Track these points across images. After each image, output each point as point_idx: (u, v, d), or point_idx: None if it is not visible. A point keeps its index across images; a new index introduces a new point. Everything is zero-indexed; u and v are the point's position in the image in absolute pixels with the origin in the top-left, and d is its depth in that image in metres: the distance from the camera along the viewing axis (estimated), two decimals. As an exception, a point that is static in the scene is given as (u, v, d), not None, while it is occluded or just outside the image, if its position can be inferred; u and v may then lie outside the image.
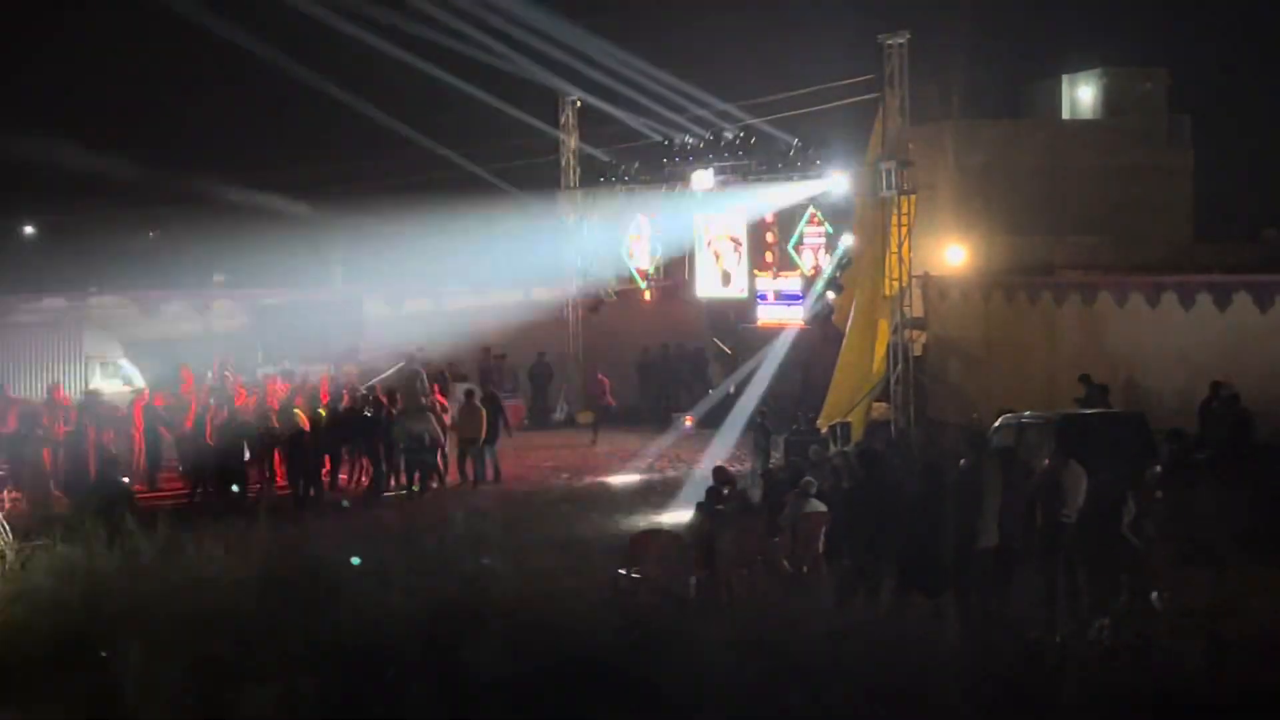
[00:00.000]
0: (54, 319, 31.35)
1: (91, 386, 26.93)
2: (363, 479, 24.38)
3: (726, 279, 31.26)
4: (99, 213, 46.88)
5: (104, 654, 12.47)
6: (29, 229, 56.29)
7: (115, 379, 28.98)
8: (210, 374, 27.56)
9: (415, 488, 23.64)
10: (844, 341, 27.30)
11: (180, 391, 25.89)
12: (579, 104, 33.72)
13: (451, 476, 24.39)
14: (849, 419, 25.63)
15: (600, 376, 31.53)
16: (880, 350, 26.70)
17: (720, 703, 10.86)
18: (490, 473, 24.81)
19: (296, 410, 23.28)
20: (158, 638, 12.92)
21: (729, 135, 29.80)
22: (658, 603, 14.72)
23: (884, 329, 26.55)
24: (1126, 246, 31.92)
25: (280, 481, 23.50)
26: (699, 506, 16.50)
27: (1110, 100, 36.62)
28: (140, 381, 28.87)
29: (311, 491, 22.91)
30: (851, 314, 27.11)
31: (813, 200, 28.06)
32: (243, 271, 40.77)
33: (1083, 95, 37.14)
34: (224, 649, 12.74)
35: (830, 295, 27.97)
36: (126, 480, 21.02)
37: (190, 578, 15.87)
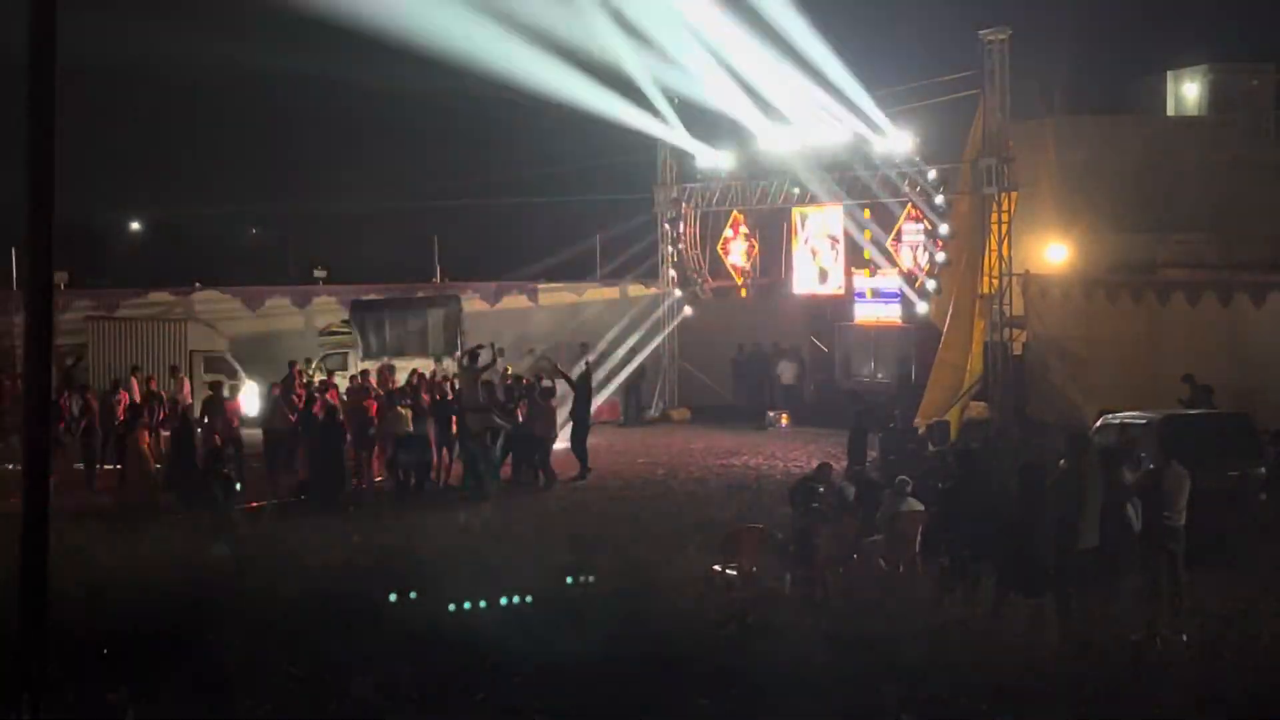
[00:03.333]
0: (160, 313, 32.02)
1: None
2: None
3: (824, 276, 31.16)
4: (204, 209, 47.71)
5: (210, 640, 12.73)
6: (135, 225, 57.55)
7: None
8: (311, 368, 27.93)
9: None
10: (941, 340, 27.13)
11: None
12: (676, 101, 33.70)
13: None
14: (946, 418, 25.46)
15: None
16: (977, 349, 26.49)
17: (817, 695, 10.86)
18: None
19: (402, 408, 23.52)
20: (260, 624, 13.17)
21: (826, 131, 29.61)
22: (754, 598, 14.75)
23: (980, 327, 26.34)
24: (1232, 245, 31.24)
25: (378, 474, 23.76)
26: (794, 503, 16.47)
27: (1216, 97, 35.91)
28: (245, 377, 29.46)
29: (413, 480, 23.12)
30: (950, 312, 26.94)
31: (911, 198, 27.87)
32: (343, 266, 41.39)
33: (1188, 92, 36.49)
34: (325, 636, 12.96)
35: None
36: (230, 473, 21.35)
37: (295, 566, 16.18)
